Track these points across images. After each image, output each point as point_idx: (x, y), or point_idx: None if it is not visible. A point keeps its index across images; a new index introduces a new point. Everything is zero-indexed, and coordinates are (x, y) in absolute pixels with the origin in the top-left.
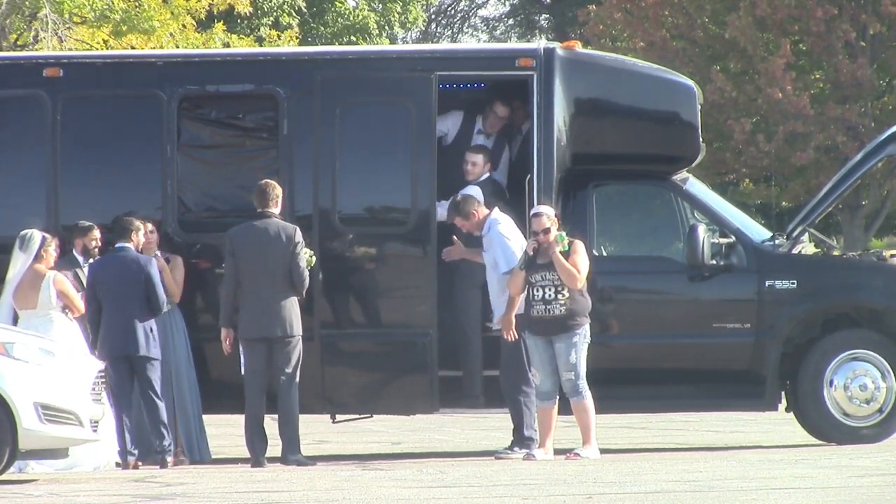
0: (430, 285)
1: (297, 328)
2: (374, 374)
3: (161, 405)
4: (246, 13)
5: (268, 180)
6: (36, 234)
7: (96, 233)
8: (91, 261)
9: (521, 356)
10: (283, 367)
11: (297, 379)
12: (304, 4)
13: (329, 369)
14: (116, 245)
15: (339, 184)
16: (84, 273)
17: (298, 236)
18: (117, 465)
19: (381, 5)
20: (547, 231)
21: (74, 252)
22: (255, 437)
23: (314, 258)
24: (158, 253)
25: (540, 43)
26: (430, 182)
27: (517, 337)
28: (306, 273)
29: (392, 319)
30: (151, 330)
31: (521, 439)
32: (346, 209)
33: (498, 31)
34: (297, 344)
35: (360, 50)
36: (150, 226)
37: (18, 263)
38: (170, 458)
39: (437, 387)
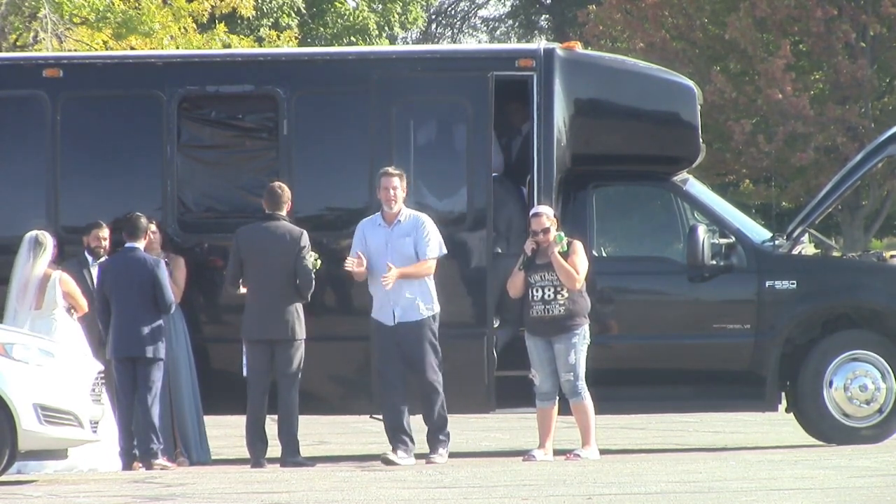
0: (486, 284)
1: (300, 331)
2: None
3: (155, 409)
4: (249, 16)
5: (279, 182)
6: (49, 239)
7: (100, 232)
8: (100, 260)
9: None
10: (284, 369)
11: (298, 381)
12: (304, 5)
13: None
14: (126, 245)
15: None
16: (89, 272)
17: (305, 240)
18: (125, 467)
19: (381, 6)
20: (546, 231)
21: (86, 253)
22: (256, 438)
23: (319, 261)
24: (161, 253)
25: (540, 43)
26: (486, 180)
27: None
28: (311, 276)
29: (448, 319)
30: (160, 329)
31: (436, 442)
32: None
33: (498, 32)
34: (300, 347)
35: (365, 51)
36: (152, 226)
37: (29, 265)
38: (157, 461)
39: (494, 387)
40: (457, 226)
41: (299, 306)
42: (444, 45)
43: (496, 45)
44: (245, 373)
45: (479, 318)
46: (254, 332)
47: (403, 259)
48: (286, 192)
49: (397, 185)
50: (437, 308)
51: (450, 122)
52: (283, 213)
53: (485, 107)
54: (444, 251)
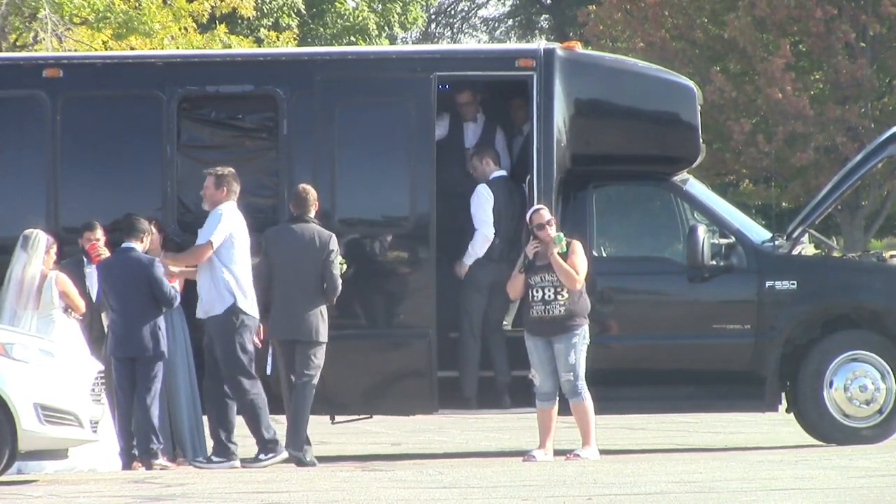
0: (429, 286)
1: (323, 334)
2: (374, 375)
3: (154, 409)
4: (249, 16)
5: (305, 185)
6: (42, 236)
7: (92, 234)
8: (101, 259)
9: (240, 352)
10: (303, 369)
11: (314, 382)
12: (304, 5)
13: (329, 370)
14: (123, 245)
15: (339, 185)
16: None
17: (334, 244)
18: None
19: (380, 6)
20: (549, 223)
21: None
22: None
23: (345, 265)
24: (162, 253)
25: (540, 43)
26: (429, 183)
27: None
28: (339, 281)
29: (391, 320)
30: (159, 328)
31: (262, 442)
32: (346, 210)
33: (498, 32)
34: (321, 350)
35: (359, 50)
36: (151, 226)
37: (22, 263)
38: (157, 461)
39: (437, 388)
40: (400, 227)
41: (324, 308)
42: (444, 45)
43: (497, 45)
44: (268, 372)
45: (424, 320)
46: (279, 332)
47: None
48: (311, 194)
49: (209, 184)
50: (236, 300)
51: (394, 123)
52: (311, 215)
53: (428, 108)
54: (205, 240)
